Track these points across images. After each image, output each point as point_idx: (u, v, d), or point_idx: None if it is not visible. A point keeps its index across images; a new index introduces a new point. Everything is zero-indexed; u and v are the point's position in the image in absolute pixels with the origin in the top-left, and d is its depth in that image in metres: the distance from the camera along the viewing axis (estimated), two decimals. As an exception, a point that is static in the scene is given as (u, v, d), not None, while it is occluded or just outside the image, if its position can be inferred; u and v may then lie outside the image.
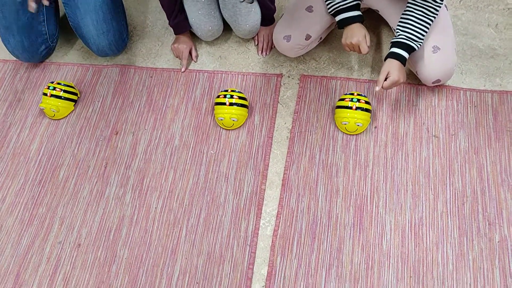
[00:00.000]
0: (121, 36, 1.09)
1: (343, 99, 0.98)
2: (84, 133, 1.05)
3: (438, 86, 1.00)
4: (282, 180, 0.94)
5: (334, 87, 1.04)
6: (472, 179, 0.90)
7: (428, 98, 1.00)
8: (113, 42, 1.07)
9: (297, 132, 0.99)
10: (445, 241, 0.85)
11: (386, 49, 1.07)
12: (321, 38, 1.05)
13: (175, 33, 1.10)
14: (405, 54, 0.88)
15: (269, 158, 0.97)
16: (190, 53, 1.11)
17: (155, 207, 0.94)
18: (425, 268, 0.83)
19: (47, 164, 1.02)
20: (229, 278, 0.85)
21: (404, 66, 0.89)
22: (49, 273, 0.89)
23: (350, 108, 0.95)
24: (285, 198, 0.92)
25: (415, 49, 0.88)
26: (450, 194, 0.89)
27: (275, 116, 1.02)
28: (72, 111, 1.08)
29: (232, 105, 0.98)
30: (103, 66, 1.14)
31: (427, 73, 0.92)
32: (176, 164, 0.98)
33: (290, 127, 1.00)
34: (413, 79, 1.02)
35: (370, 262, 0.84)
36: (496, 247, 0.83)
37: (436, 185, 0.90)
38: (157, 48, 1.16)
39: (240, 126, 1.01)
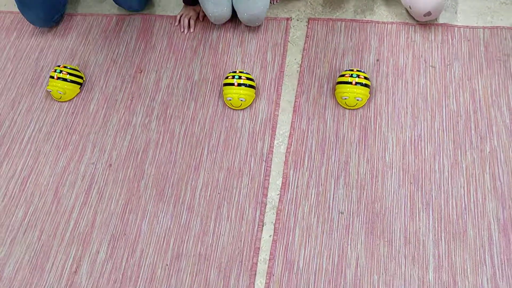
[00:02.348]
0: None
1: (343, 75, 1.03)
2: (110, 72, 1.16)
3: (434, 24, 1.12)
4: (294, 107, 1.06)
5: (339, 27, 1.15)
6: (465, 101, 1.01)
7: (426, 34, 1.11)
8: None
9: (306, 67, 1.10)
10: (441, 153, 0.96)
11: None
12: None
13: (183, 2, 1.18)
14: None
15: (281, 89, 1.09)
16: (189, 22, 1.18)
17: (179, 132, 1.05)
18: (423, 175, 0.94)
19: (77, 99, 1.14)
20: (247, 188, 0.97)
21: None
22: (84, 189, 1.01)
23: (350, 83, 1.01)
24: (297, 121, 1.04)
25: None
26: (445, 114, 1.00)
27: (286, 53, 1.13)
28: (78, 94, 1.12)
29: (240, 86, 1.03)
30: (126, 15, 1.26)
31: (420, 5, 1.04)
32: (197, 96, 1.10)
33: (300, 63, 1.11)
34: (412, 19, 1.13)
35: (375, 172, 0.95)
36: (487, 157, 0.94)
37: (433, 107, 1.01)
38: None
39: (247, 107, 1.05)
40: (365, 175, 0.96)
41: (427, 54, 1.08)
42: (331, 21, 1.17)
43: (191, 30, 1.18)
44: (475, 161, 0.94)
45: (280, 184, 0.97)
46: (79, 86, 1.14)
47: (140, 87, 1.13)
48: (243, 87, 1.03)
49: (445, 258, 0.86)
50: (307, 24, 1.17)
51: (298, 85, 1.09)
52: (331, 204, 0.93)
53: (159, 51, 1.18)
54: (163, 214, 0.96)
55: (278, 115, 1.05)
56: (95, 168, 1.03)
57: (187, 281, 0.89)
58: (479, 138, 0.97)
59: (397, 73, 1.07)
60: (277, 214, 0.94)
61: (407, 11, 1.14)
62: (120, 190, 1.00)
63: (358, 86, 1.00)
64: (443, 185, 0.93)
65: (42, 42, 1.24)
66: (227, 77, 1.07)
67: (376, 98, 1.04)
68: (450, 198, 0.91)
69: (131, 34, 1.22)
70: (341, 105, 1.03)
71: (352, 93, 1.00)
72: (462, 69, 1.05)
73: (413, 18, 1.13)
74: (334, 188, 0.95)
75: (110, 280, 0.90)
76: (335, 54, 1.11)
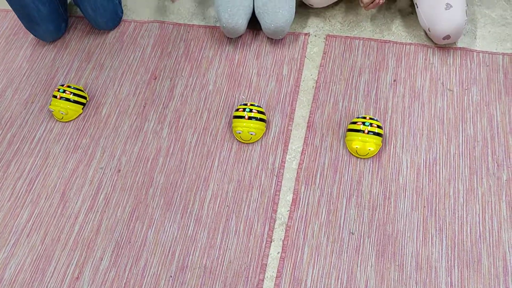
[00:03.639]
0: None
1: (354, 123, 1.01)
2: (125, 77, 1.18)
3: (453, 48, 1.13)
4: (307, 122, 1.06)
5: (356, 46, 1.16)
6: (483, 127, 1.01)
7: (444, 57, 1.12)
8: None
9: (322, 83, 1.11)
10: (456, 178, 0.96)
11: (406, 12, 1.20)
12: None
13: None
14: None
15: (296, 103, 1.09)
16: None
17: (190, 141, 1.06)
18: (437, 200, 0.93)
19: (90, 102, 1.15)
20: (257, 202, 0.96)
21: None
22: (91, 193, 1.01)
23: (362, 131, 0.99)
24: (310, 137, 1.04)
25: None
26: (462, 139, 1.00)
27: (302, 68, 1.14)
28: (80, 114, 1.11)
29: (251, 119, 1.02)
30: (144, 22, 1.28)
31: (438, 28, 1.05)
32: (210, 106, 1.11)
33: (315, 78, 1.12)
34: (431, 41, 1.14)
35: (387, 193, 0.95)
36: (504, 185, 0.94)
37: (450, 131, 1.01)
38: (194, 7, 1.29)
39: (257, 140, 1.04)
40: (377, 196, 0.95)
41: (445, 77, 1.09)
42: (349, 39, 1.18)
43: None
44: (491, 188, 0.94)
45: (291, 200, 0.97)
46: (82, 106, 1.13)
47: (154, 93, 1.15)
48: (253, 120, 1.02)
49: (458, 286, 0.85)
50: (324, 40, 1.19)
51: (313, 100, 1.09)
52: (341, 223, 0.93)
53: (175, 59, 1.20)
54: (170, 223, 0.96)
55: (291, 130, 1.06)
56: (103, 173, 1.04)
57: (190, 294, 0.89)
58: (495, 165, 0.96)
59: (414, 94, 1.08)
60: (286, 230, 0.94)
61: (425, 33, 1.16)
62: (127, 197, 1.00)
63: (371, 135, 0.97)
64: (458, 211, 0.92)
65: (59, 44, 1.26)
66: (237, 109, 1.05)
67: (392, 119, 1.04)
68: (465, 224, 0.91)
69: (148, 40, 1.24)
70: (351, 154, 1.00)
71: (364, 142, 0.97)
72: (480, 94, 1.06)
73: (432, 41, 1.15)
74: (345, 207, 0.95)
75: (112, 289, 0.91)
76: (352, 72, 1.12)
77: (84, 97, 1.14)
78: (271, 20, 1.12)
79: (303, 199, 0.97)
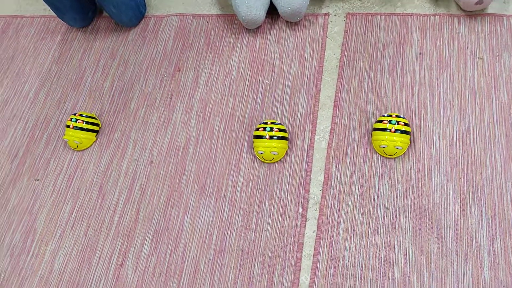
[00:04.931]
0: None
1: (380, 121, 0.99)
2: (149, 71, 1.23)
3: (481, 15, 1.11)
4: (334, 102, 1.07)
5: (378, 21, 1.16)
6: (517, 93, 1.00)
7: (471, 25, 1.10)
8: None
9: (346, 61, 1.12)
10: (492, 147, 0.95)
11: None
12: None
13: None
14: None
15: (320, 84, 1.11)
16: None
17: (218, 129, 1.09)
18: (474, 170, 0.93)
19: (119, 98, 1.20)
20: (289, 184, 0.99)
21: None
22: (127, 185, 1.06)
23: (389, 130, 0.96)
24: (337, 116, 1.05)
25: None
26: (496, 107, 0.99)
27: (325, 48, 1.15)
28: (94, 142, 1.13)
29: (272, 138, 1.01)
30: (163, 16, 1.32)
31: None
32: (235, 92, 1.14)
33: (339, 57, 1.13)
34: (456, 10, 1.13)
35: (421, 167, 0.95)
36: (543, 150, 0.92)
37: (482, 100, 1.00)
38: (211, -2, 1.35)
39: (280, 159, 1.02)
40: (410, 169, 0.96)
41: (473, 46, 1.08)
42: (370, 16, 1.18)
43: None
44: (530, 155, 0.93)
45: (322, 180, 0.99)
46: (95, 134, 1.15)
47: (179, 85, 1.19)
48: (275, 139, 1.00)
49: (501, 255, 0.84)
50: (345, 19, 1.19)
51: (338, 79, 1.10)
52: (376, 199, 0.94)
53: (197, 49, 1.23)
54: (205, 209, 1.00)
55: (318, 111, 1.07)
56: (136, 164, 1.09)
57: (230, 276, 0.92)
58: (533, 131, 0.95)
59: (442, 66, 1.07)
60: (320, 209, 0.96)
61: (455, 1, 1.14)
62: (161, 186, 1.05)
63: (398, 133, 0.95)
64: (496, 180, 0.91)
65: (85, 44, 1.32)
66: (257, 129, 1.04)
67: (420, 92, 1.04)
68: (504, 194, 0.90)
69: (169, 33, 1.28)
70: (379, 154, 0.98)
71: (392, 141, 0.95)
72: (512, 60, 1.05)
73: (459, 9, 1.13)
74: (378, 183, 0.96)
75: (155, 273, 0.95)
76: (376, 48, 1.12)
77: (97, 124, 1.15)
78: (287, 3, 1.13)
79: (335, 177, 0.99)
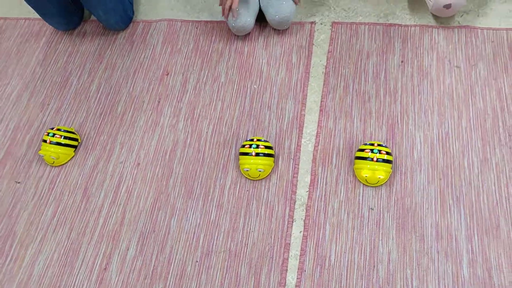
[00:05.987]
0: None
1: (362, 150, 1.00)
2: (137, 74, 1.25)
3: (457, 27, 1.19)
4: (320, 106, 1.12)
5: (362, 31, 1.23)
6: (492, 100, 1.07)
7: (449, 36, 1.18)
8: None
9: (332, 68, 1.18)
10: (470, 150, 1.01)
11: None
12: None
13: None
14: None
15: (307, 89, 1.15)
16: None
17: (206, 132, 1.12)
18: (453, 172, 0.99)
19: (105, 100, 1.21)
20: (276, 186, 1.02)
21: None
22: (113, 187, 1.07)
23: (371, 159, 0.97)
24: (323, 120, 1.10)
25: None
26: (472, 112, 1.06)
27: (311, 55, 1.21)
28: (72, 157, 1.10)
29: (258, 155, 1.01)
30: (152, 21, 1.35)
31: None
32: (223, 96, 1.17)
33: (325, 64, 1.19)
34: (435, 21, 1.21)
35: (403, 169, 1.00)
36: (517, 154, 0.99)
37: (460, 106, 1.07)
38: (200, 4, 1.37)
39: (266, 176, 1.02)
40: (394, 172, 1.01)
41: (451, 55, 1.15)
42: (354, 25, 1.25)
43: (234, 16, 1.16)
44: (504, 157, 0.99)
45: (309, 181, 1.02)
46: (74, 149, 1.12)
47: (167, 88, 1.21)
48: (261, 156, 1.01)
49: (479, 253, 0.89)
50: (331, 27, 1.25)
51: (324, 85, 1.15)
52: (360, 200, 0.98)
53: (185, 54, 1.27)
54: (192, 211, 1.02)
55: (304, 115, 1.12)
56: (123, 167, 1.09)
57: (217, 277, 0.93)
58: (507, 135, 1.02)
59: (422, 73, 1.14)
60: (306, 210, 0.99)
61: (428, 7, 1.20)
62: (148, 189, 1.06)
63: (380, 162, 0.96)
64: (473, 181, 0.97)
65: (70, 47, 1.33)
66: (243, 146, 1.04)
67: (402, 98, 1.10)
68: (481, 193, 0.96)
69: (158, 38, 1.31)
70: (361, 182, 0.99)
71: (373, 170, 0.96)
72: (487, 69, 1.12)
73: (436, 20, 1.21)
74: (363, 185, 1.00)
75: (140, 276, 0.95)
76: (360, 55, 1.19)
77: (76, 139, 1.13)
78: (276, 11, 1.19)
79: (321, 179, 1.02)
